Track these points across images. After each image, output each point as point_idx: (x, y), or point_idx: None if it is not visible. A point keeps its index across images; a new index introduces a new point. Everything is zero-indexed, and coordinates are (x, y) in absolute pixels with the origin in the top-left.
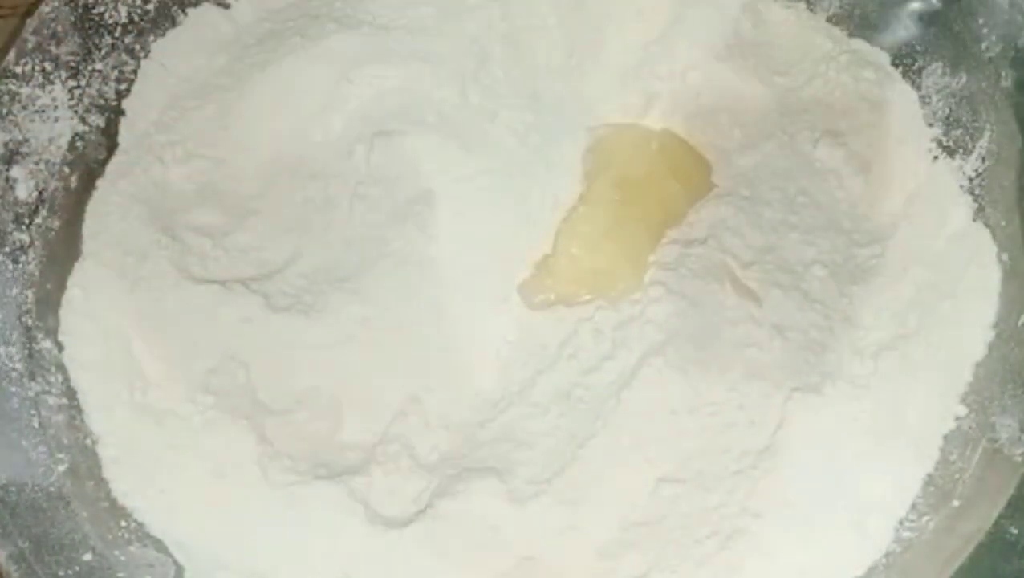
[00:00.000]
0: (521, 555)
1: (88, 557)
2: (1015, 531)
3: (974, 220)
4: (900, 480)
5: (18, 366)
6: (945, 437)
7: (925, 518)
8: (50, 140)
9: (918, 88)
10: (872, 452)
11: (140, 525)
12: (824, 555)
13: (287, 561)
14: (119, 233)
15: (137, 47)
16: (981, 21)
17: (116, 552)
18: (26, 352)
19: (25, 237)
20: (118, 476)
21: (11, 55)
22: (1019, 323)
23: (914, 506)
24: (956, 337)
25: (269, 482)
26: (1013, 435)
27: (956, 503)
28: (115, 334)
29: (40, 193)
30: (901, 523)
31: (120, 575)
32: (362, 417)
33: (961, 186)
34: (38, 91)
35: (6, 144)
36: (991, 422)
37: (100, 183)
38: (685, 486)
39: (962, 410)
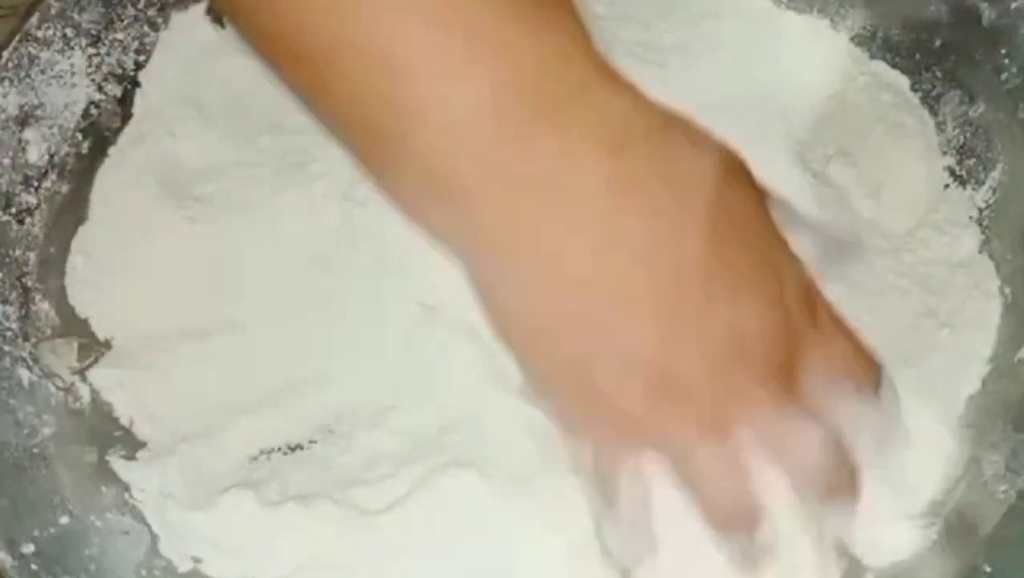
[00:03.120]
0: (495, 551)
1: (65, 520)
2: (988, 569)
3: (980, 252)
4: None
5: (13, 326)
6: None
7: None
8: (65, 105)
9: (935, 115)
10: None
11: (120, 492)
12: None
13: (259, 538)
14: (127, 201)
15: (159, 20)
16: (1004, 51)
17: (93, 517)
18: (23, 312)
19: (32, 199)
20: None
21: (33, 19)
22: (1015, 359)
23: None
24: (951, 368)
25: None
26: (998, 472)
27: (934, 537)
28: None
29: (51, 157)
30: None
31: (95, 540)
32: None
33: (970, 217)
34: (57, 56)
35: (21, 107)
36: (978, 457)
37: (112, 151)
38: None
39: (950, 443)
